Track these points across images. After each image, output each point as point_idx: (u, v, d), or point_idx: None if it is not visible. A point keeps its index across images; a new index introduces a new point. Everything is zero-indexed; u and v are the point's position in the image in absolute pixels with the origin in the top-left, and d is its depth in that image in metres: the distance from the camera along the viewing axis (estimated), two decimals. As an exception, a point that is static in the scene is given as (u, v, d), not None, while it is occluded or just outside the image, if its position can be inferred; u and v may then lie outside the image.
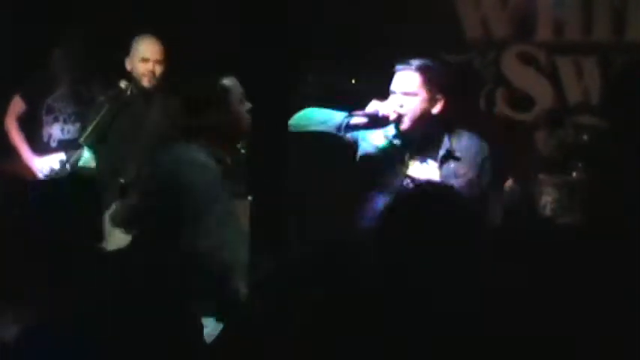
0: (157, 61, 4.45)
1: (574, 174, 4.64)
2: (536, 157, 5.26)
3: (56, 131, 4.79)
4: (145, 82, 4.43)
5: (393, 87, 3.53)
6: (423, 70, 3.50)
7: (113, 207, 4.37)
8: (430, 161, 3.58)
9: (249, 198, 5.21)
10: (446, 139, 3.55)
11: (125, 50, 4.53)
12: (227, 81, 3.42)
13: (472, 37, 5.48)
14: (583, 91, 5.24)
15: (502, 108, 5.45)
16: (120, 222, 4.37)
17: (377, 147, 3.59)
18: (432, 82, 3.50)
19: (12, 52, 4.82)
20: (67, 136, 4.80)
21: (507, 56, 5.41)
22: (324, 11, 5.34)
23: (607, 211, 3.82)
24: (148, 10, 5.00)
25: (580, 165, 4.67)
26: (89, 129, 4.44)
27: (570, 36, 5.23)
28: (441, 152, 3.55)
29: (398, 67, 3.58)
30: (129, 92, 4.43)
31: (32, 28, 4.78)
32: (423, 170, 3.58)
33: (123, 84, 4.45)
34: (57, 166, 4.76)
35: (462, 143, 3.57)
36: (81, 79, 4.73)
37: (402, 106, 3.47)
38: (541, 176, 4.60)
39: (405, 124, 3.48)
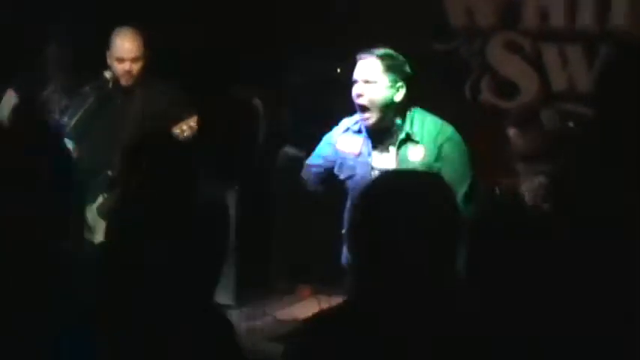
0: (133, 60, 4.30)
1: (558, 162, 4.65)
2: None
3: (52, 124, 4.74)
4: (123, 82, 4.34)
5: (355, 75, 3.55)
6: (383, 57, 3.52)
7: (100, 199, 4.35)
8: (391, 149, 3.59)
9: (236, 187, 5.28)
10: (407, 124, 3.55)
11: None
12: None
13: (458, 25, 5.48)
14: (568, 79, 5.25)
15: (487, 96, 5.46)
16: (107, 214, 4.35)
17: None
18: (392, 69, 3.51)
19: (6, 47, 4.77)
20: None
21: (493, 44, 5.42)
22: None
23: (589, 200, 3.83)
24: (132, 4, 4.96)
25: (565, 153, 4.68)
26: (74, 120, 4.39)
27: (555, 24, 5.24)
28: (401, 136, 3.56)
29: (361, 55, 3.60)
30: (110, 84, 4.37)
31: (26, 23, 4.74)
32: (384, 159, 3.59)
33: (107, 74, 4.39)
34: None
35: (424, 127, 3.58)
36: (74, 73, 4.68)
37: (362, 95, 3.47)
38: (520, 165, 4.62)
39: (367, 116, 3.45)
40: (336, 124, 3.77)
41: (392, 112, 3.51)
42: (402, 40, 5.38)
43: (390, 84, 3.48)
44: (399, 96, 3.49)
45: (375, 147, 3.57)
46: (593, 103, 5.11)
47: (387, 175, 2.00)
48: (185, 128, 4.09)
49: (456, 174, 3.46)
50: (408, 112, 3.55)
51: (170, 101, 4.31)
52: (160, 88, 4.41)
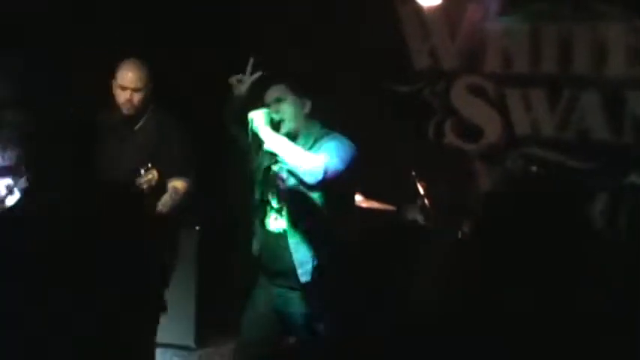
0: (135, 89, 4.26)
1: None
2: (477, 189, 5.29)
3: None
4: (125, 111, 4.28)
5: (265, 99, 3.74)
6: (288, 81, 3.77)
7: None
8: None
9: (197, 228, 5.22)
10: (311, 139, 3.74)
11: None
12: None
13: (422, 68, 5.51)
14: (531, 123, 5.28)
15: (451, 138, 5.47)
16: None
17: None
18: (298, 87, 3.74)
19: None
20: (7, 163, 4.66)
21: (457, 87, 5.44)
22: (275, 41, 5.31)
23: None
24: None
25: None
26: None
27: (519, 68, 5.27)
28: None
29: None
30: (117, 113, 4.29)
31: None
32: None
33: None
34: (3, 192, 4.62)
35: (328, 143, 3.71)
36: (6, 105, 4.61)
37: (277, 112, 3.68)
38: (479, 208, 4.60)
39: (285, 127, 3.68)
40: None
41: (304, 124, 3.73)
42: (367, 81, 5.42)
43: (297, 100, 3.75)
44: (307, 109, 3.74)
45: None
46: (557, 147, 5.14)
47: None
48: (143, 182, 4.03)
49: None
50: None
51: (168, 140, 4.25)
52: (167, 122, 4.34)
